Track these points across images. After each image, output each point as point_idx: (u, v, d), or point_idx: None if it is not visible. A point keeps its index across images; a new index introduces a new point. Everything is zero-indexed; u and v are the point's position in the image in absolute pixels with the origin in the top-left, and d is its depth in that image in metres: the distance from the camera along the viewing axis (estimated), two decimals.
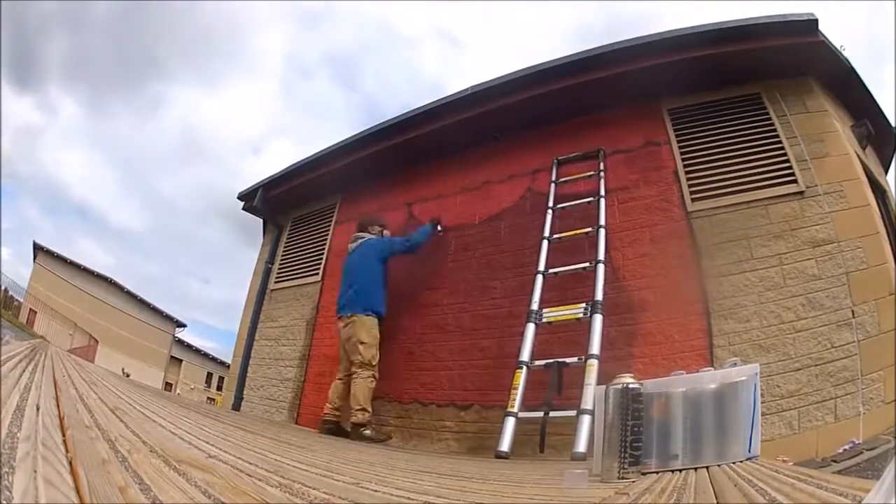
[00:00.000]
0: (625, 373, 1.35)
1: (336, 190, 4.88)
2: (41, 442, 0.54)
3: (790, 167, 2.88)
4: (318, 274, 4.65)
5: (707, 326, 2.73)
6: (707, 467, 1.23)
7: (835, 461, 2.12)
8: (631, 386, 1.29)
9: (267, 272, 5.17)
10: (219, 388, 24.15)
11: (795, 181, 2.83)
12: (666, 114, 3.36)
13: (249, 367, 4.85)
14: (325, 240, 4.79)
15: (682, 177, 3.13)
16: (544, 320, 2.89)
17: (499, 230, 3.67)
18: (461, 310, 3.23)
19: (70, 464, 0.49)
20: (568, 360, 2.64)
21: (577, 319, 2.77)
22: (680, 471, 1.24)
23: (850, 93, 3.28)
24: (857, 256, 2.57)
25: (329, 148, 4.78)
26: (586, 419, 2.25)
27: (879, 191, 3.21)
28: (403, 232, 3.98)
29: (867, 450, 2.11)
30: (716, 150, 3.11)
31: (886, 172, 3.86)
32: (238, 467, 0.79)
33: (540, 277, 3.07)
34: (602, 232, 3.06)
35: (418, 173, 4.34)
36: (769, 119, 3.06)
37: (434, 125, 4.04)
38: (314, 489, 0.73)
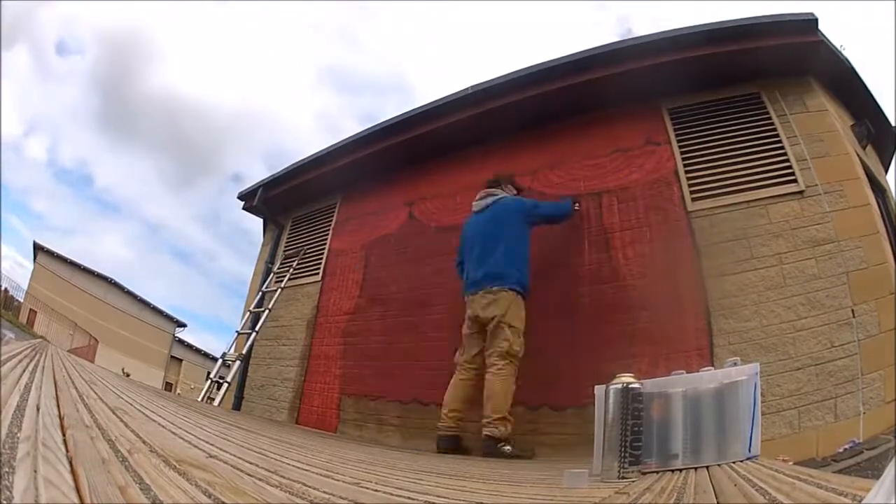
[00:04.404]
0: (625, 373, 1.35)
1: (336, 190, 4.88)
2: (41, 442, 0.54)
3: (790, 167, 2.88)
4: (318, 274, 4.65)
5: (707, 326, 2.73)
6: (707, 467, 1.23)
7: (835, 461, 2.12)
8: (631, 385, 1.30)
9: (267, 272, 5.17)
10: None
11: (795, 181, 2.83)
12: (666, 113, 3.36)
13: (249, 367, 4.86)
14: (326, 240, 4.79)
15: (682, 176, 3.13)
16: None
17: None
18: (462, 309, 3.22)
19: (70, 464, 0.49)
20: None
21: None
22: (680, 470, 1.24)
23: (850, 92, 3.28)
24: (857, 256, 2.57)
25: (329, 148, 4.79)
26: None
27: (879, 191, 3.21)
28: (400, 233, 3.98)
29: (867, 449, 2.11)
30: (716, 149, 3.11)
31: (886, 172, 3.86)
32: (238, 467, 0.79)
33: None
34: None
35: (418, 173, 4.34)
36: (769, 119, 3.05)
37: (434, 125, 4.04)
38: (314, 489, 0.73)
